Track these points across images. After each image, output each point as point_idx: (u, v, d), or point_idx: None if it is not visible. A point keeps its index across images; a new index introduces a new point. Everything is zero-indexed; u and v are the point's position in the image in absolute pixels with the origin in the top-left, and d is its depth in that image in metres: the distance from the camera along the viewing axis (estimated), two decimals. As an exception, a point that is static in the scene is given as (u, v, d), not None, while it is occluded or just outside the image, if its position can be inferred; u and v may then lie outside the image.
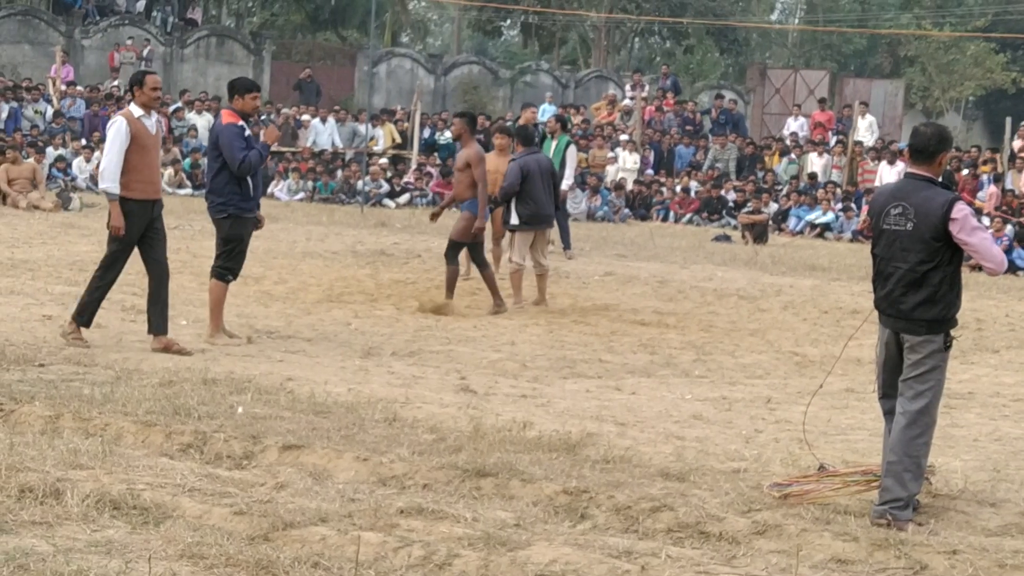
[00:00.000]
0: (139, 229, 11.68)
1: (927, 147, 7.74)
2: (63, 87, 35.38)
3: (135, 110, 11.80)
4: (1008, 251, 25.52)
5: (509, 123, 23.97)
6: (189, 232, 21.50)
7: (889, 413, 7.82)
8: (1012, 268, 24.38)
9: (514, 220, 16.02)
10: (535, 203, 15.96)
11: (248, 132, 12.45)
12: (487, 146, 22.74)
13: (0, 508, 6.62)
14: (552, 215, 16.59)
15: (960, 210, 7.52)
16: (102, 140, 32.08)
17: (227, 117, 12.45)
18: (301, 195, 32.28)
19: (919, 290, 7.58)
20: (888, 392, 7.85)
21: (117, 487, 7.02)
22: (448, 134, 36.87)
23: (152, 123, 11.90)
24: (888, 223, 7.70)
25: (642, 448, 8.93)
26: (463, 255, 16.29)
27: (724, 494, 7.71)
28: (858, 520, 7.40)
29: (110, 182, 11.58)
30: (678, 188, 34.60)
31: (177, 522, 6.64)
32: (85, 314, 11.77)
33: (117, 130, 11.64)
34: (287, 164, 33.85)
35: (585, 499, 7.45)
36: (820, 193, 32.39)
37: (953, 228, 7.49)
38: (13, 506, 6.69)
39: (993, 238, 25.33)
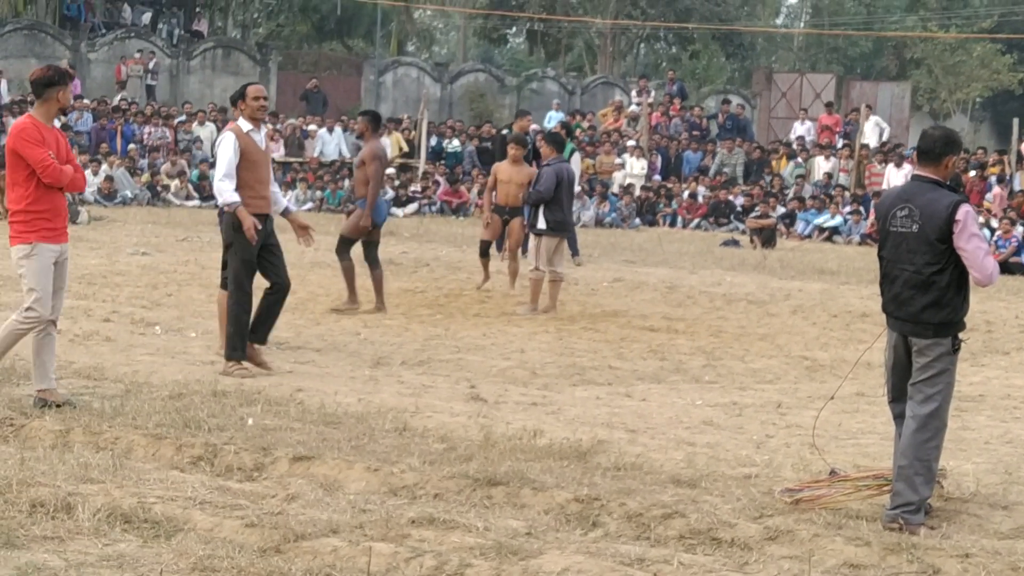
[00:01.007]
0: (257, 245, 11.40)
1: (933, 149, 7.72)
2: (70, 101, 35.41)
3: (243, 124, 11.52)
4: (1017, 252, 25.49)
5: (504, 131, 23.93)
6: (198, 244, 21.53)
7: (899, 417, 7.80)
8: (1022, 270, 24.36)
9: (541, 225, 16.04)
10: (562, 210, 16.08)
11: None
12: (494, 156, 22.69)
13: (11, 523, 6.62)
14: (572, 223, 16.75)
15: (964, 213, 7.50)
16: (110, 153, 32.29)
17: (232, 125, 12.44)
18: (309, 205, 32.31)
19: (926, 292, 7.56)
20: (898, 396, 7.84)
21: (128, 501, 7.02)
22: (456, 142, 36.96)
23: (261, 137, 11.64)
24: (894, 225, 7.69)
25: (653, 455, 8.92)
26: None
27: (736, 500, 7.70)
28: (870, 524, 7.39)
29: (228, 194, 11.28)
30: (686, 193, 34.60)
31: (188, 535, 6.64)
32: (238, 346, 11.37)
33: (226, 144, 11.39)
34: (295, 174, 33.90)
35: (596, 507, 7.44)
36: (829, 195, 32.39)
37: (955, 229, 7.48)
38: (24, 521, 6.69)
39: (1003, 239, 25.42)
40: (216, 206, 12.81)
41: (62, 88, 9.71)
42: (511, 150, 17.43)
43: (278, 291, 11.69)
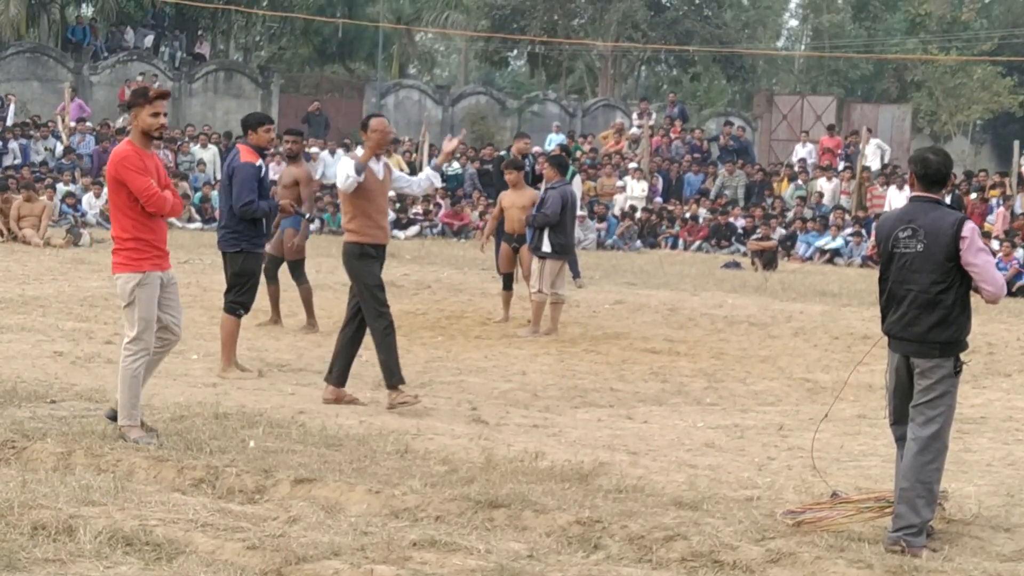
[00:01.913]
0: (379, 272, 11.34)
1: (939, 175, 7.79)
2: (72, 123, 35.51)
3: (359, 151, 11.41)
4: (1018, 276, 25.48)
5: (503, 153, 23.96)
6: (199, 266, 21.54)
7: (901, 439, 7.80)
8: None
9: (546, 248, 16.06)
10: (566, 233, 16.13)
11: (264, 171, 12.51)
12: (494, 178, 22.75)
13: (13, 546, 6.61)
14: (574, 246, 16.78)
15: (969, 229, 7.55)
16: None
17: (245, 154, 12.45)
18: (314, 226, 32.25)
19: (932, 312, 7.58)
20: (899, 418, 7.84)
21: (130, 523, 7.02)
22: (456, 164, 36.99)
23: (380, 167, 11.50)
24: (898, 247, 7.70)
25: (655, 477, 8.91)
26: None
27: (737, 522, 7.69)
28: (872, 547, 7.38)
29: (351, 175, 11.12)
30: (687, 215, 34.62)
31: (190, 558, 6.63)
32: (395, 372, 11.19)
33: (347, 162, 11.25)
34: (296, 196, 33.89)
35: (598, 529, 7.43)
36: (830, 217, 32.41)
37: (962, 246, 7.50)
38: (26, 544, 6.69)
39: (1003, 261, 25.41)
40: (220, 228, 12.77)
41: (141, 109, 9.66)
42: (507, 176, 17.39)
43: (361, 329, 11.42)
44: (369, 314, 11.24)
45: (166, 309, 9.53)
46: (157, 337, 9.49)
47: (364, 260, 11.23)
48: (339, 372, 11.36)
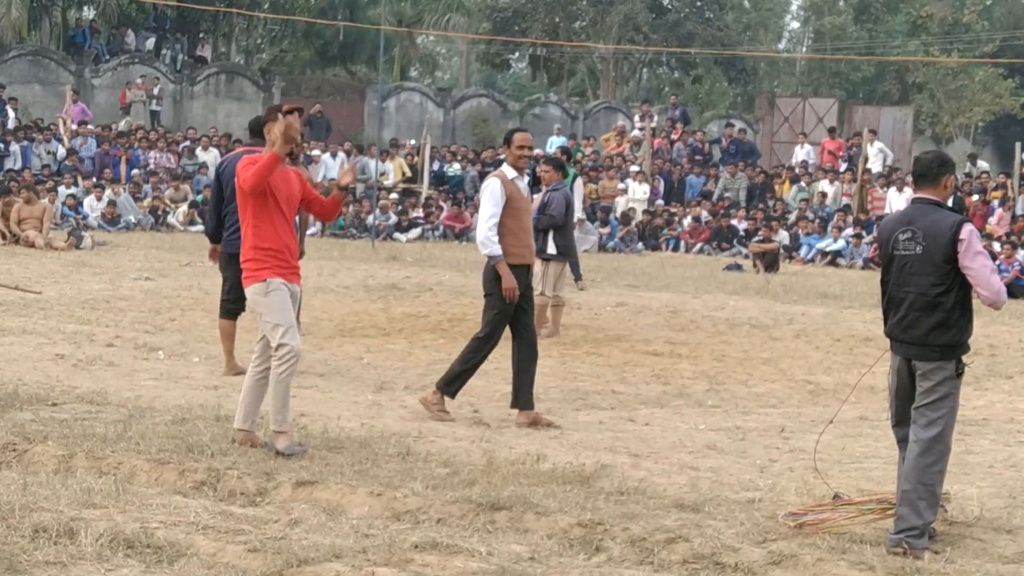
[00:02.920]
0: (517, 298, 10.99)
1: (929, 171, 7.78)
2: (74, 126, 35.53)
3: (508, 171, 11.08)
4: (1020, 277, 25.47)
5: (503, 156, 23.85)
6: (201, 269, 21.52)
7: (903, 441, 7.79)
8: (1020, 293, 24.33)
9: (551, 250, 16.05)
10: (568, 235, 16.14)
11: None
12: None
13: (14, 548, 6.61)
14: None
15: (968, 232, 7.53)
16: (114, 180, 32.34)
17: (247, 157, 12.41)
18: (313, 230, 32.32)
19: (932, 314, 7.57)
20: (901, 420, 7.83)
21: (131, 526, 7.02)
22: (456, 166, 37.00)
23: (524, 184, 11.26)
24: (898, 249, 7.70)
25: (656, 479, 8.91)
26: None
27: (739, 524, 7.68)
28: (874, 549, 7.37)
29: (492, 245, 10.84)
30: (689, 218, 34.64)
31: (191, 560, 6.63)
32: (455, 384, 11.01)
33: (492, 191, 10.92)
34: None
35: (600, 531, 7.42)
36: (832, 219, 32.43)
37: (960, 249, 7.49)
38: (27, 546, 6.68)
39: (1005, 263, 25.41)
40: (226, 230, 12.73)
41: (274, 124, 9.47)
42: (544, 174, 17.01)
43: (527, 347, 11.12)
44: (484, 331, 10.98)
45: None
46: (264, 353, 9.40)
47: (498, 280, 10.90)
48: (524, 395, 11.03)
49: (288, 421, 9.26)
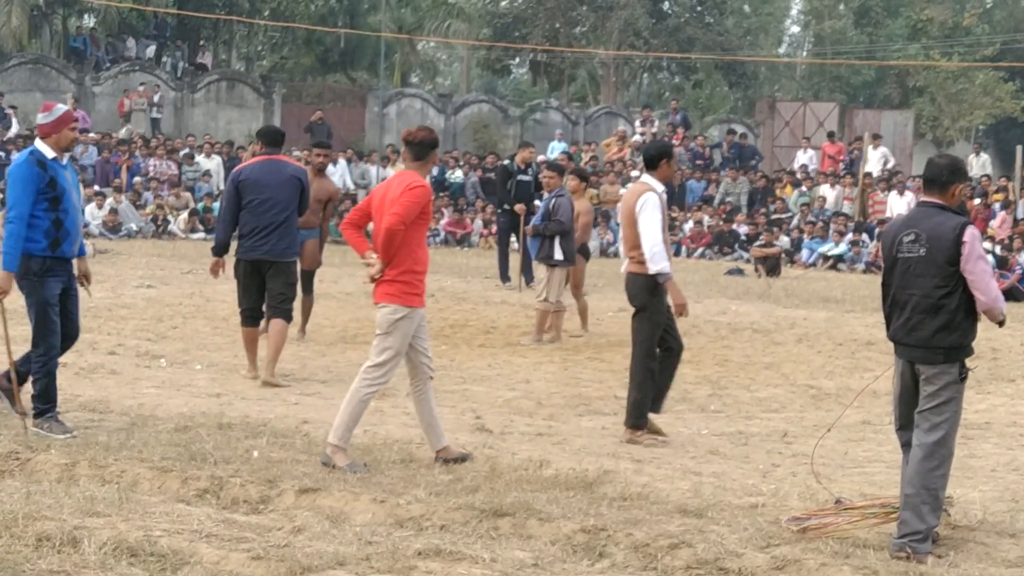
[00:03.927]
0: (666, 309, 10.80)
1: (940, 177, 7.77)
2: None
3: (657, 185, 10.81)
4: (1021, 280, 25.45)
5: (506, 162, 23.88)
6: (202, 276, 21.50)
7: (906, 445, 7.80)
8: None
9: (558, 256, 16.04)
10: (572, 241, 16.13)
11: None
12: (495, 187, 22.80)
13: (18, 557, 6.61)
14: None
15: (971, 235, 7.54)
16: (116, 190, 32.33)
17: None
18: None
19: (936, 316, 7.57)
20: (905, 424, 7.83)
21: (134, 534, 7.02)
22: (459, 172, 37.01)
23: (665, 200, 11.01)
24: (901, 251, 7.70)
25: (659, 484, 8.91)
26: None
27: (742, 529, 7.68)
28: (877, 553, 7.37)
29: (662, 262, 10.49)
30: (690, 223, 34.65)
31: (195, 568, 6.63)
32: (644, 415, 10.69)
33: (653, 206, 10.59)
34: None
35: (603, 537, 7.42)
36: (832, 224, 32.44)
37: (963, 251, 7.50)
38: (31, 555, 6.68)
39: (1011, 265, 25.41)
40: (279, 238, 12.85)
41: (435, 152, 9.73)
42: (571, 183, 16.89)
43: (674, 354, 10.99)
44: (643, 349, 10.73)
45: (418, 343, 9.41)
46: (419, 370, 9.45)
47: (657, 295, 10.67)
48: (658, 402, 10.92)
49: (348, 441, 9.25)
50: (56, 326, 10.02)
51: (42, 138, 10.00)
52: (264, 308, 12.94)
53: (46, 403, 9.89)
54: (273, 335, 12.76)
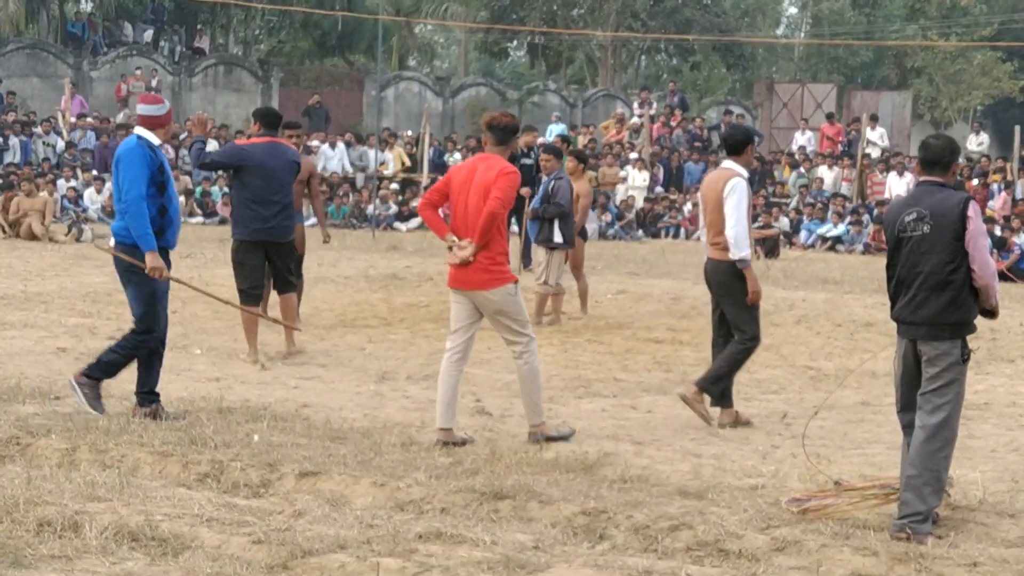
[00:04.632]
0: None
1: (941, 158, 7.81)
2: (72, 119, 35.50)
3: (742, 170, 10.90)
4: (1019, 261, 25.46)
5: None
6: (201, 260, 21.52)
7: (908, 426, 7.80)
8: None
9: (558, 239, 16.03)
10: (570, 224, 16.11)
11: None
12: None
13: (19, 543, 6.61)
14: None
15: (974, 210, 7.60)
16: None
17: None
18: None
19: (943, 293, 7.59)
20: (907, 406, 7.84)
21: (135, 519, 7.02)
22: (458, 155, 36.99)
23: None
24: (905, 231, 7.72)
25: (659, 466, 8.92)
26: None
27: (743, 511, 7.69)
28: (878, 534, 7.38)
29: (746, 249, 10.72)
30: (689, 205, 34.63)
31: (196, 553, 6.63)
32: (720, 384, 10.82)
33: (742, 192, 10.68)
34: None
35: (603, 519, 7.43)
36: (831, 205, 32.42)
37: (968, 226, 7.53)
38: (32, 540, 6.69)
39: (1010, 246, 25.41)
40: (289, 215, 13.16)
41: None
42: (568, 164, 16.96)
43: (749, 341, 11.07)
44: (749, 333, 10.87)
45: (481, 324, 9.85)
46: (468, 350, 9.79)
47: (741, 280, 10.85)
48: (723, 392, 10.91)
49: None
50: (163, 317, 10.17)
51: (148, 128, 10.08)
52: (260, 288, 13.08)
53: (102, 373, 9.96)
54: (288, 309, 13.17)
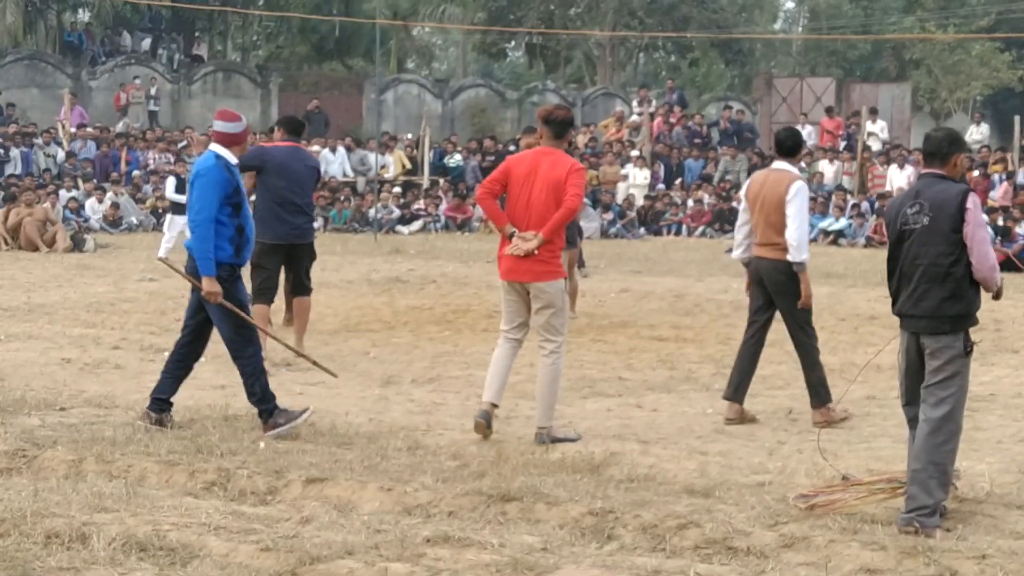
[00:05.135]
0: None
1: (940, 149, 7.81)
2: (73, 129, 35.51)
3: (799, 172, 11.06)
4: (1021, 252, 25.44)
5: (511, 148, 23.82)
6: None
7: (913, 420, 7.81)
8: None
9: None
10: (572, 224, 16.10)
11: None
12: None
13: (27, 555, 6.62)
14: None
15: (973, 202, 7.60)
16: (117, 181, 32.30)
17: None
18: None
19: (943, 285, 7.60)
20: (911, 399, 7.84)
21: (143, 529, 7.03)
22: (458, 157, 36.98)
23: None
24: (906, 223, 7.73)
25: (666, 465, 8.92)
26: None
27: (750, 508, 7.69)
28: (886, 528, 7.38)
29: (806, 253, 10.77)
30: (690, 201, 34.64)
31: (204, 561, 6.64)
32: (823, 390, 10.71)
33: (805, 196, 10.72)
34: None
35: (611, 519, 7.43)
36: (832, 199, 32.41)
37: (967, 218, 7.53)
38: (40, 552, 6.69)
39: (1013, 236, 25.39)
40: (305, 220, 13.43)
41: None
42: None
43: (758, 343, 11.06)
44: (804, 331, 10.82)
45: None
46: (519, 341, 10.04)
47: (796, 281, 10.80)
48: (739, 388, 10.93)
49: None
50: (253, 327, 10.08)
51: (225, 145, 10.06)
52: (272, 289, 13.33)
53: (266, 403, 9.85)
54: (302, 311, 13.42)
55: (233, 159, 10.03)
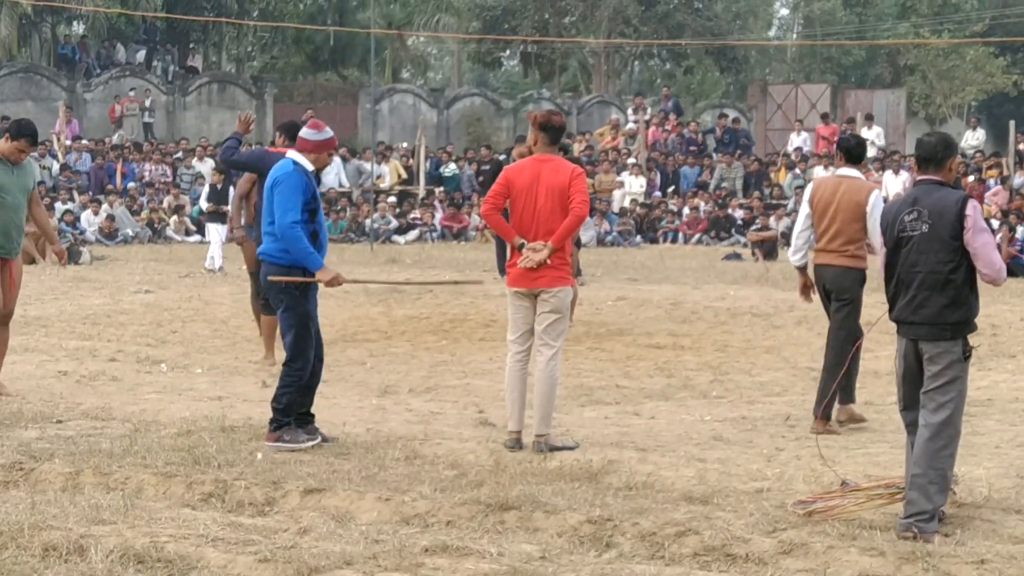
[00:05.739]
0: None
1: (935, 155, 7.80)
2: (68, 142, 35.51)
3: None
4: (1018, 256, 25.43)
5: (501, 157, 23.85)
6: (200, 280, 21.53)
7: (911, 425, 7.80)
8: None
9: None
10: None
11: None
12: (487, 179, 22.72)
13: (25, 568, 6.61)
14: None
15: (972, 208, 7.59)
16: (112, 192, 32.32)
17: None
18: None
19: (943, 292, 7.59)
20: (909, 404, 7.83)
21: (140, 541, 7.01)
22: (453, 166, 37.01)
23: None
24: (904, 230, 7.72)
25: (664, 472, 8.91)
26: None
27: (748, 515, 7.69)
28: (884, 534, 7.37)
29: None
30: (686, 209, 34.65)
31: (202, 573, 6.63)
32: (850, 388, 10.81)
33: (881, 205, 10.36)
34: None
35: (609, 527, 7.43)
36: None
37: (966, 224, 7.52)
38: (37, 565, 6.68)
39: (1009, 241, 25.38)
40: None
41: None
42: None
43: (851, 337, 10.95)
44: (846, 335, 10.71)
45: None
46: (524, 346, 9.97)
47: (863, 287, 10.85)
48: (847, 389, 10.90)
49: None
50: (313, 341, 10.03)
51: (303, 152, 10.07)
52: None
53: (286, 416, 9.83)
54: None
55: (310, 166, 10.02)
